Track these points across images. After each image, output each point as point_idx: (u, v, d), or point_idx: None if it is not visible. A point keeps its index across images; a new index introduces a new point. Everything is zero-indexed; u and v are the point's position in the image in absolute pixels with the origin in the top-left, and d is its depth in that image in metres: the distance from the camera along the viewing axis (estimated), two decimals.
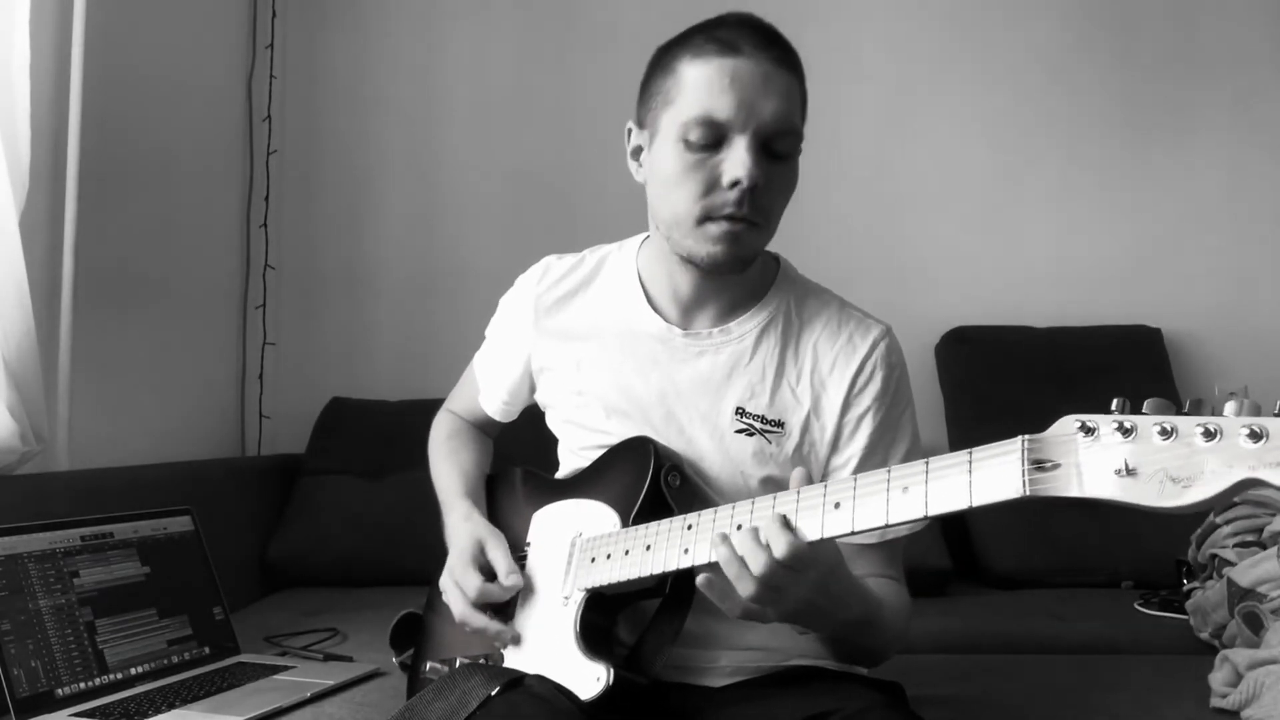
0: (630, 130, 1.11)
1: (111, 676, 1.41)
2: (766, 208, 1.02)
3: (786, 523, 0.86)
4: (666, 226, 1.06)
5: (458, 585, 1.08)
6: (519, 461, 1.26)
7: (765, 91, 0.98)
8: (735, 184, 0.98)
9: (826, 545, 0.89)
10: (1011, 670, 1.49)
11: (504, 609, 1.09)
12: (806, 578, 0.86)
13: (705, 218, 1.02)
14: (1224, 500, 0.64)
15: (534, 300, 1.20)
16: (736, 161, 0.98)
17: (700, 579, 0.90)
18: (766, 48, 1.00)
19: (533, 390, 1.25)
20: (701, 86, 0.99)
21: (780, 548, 0.84)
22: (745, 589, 0.86)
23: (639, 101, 1.09)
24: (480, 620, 1.06)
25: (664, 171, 1.03)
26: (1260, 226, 2.60)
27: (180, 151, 2.44)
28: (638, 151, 1.10)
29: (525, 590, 1.10)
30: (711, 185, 1.00)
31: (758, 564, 0.85)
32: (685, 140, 1.00)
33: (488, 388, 1.29)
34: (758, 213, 1.01)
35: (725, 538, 0.88)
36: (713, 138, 0.99)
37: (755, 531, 0.86)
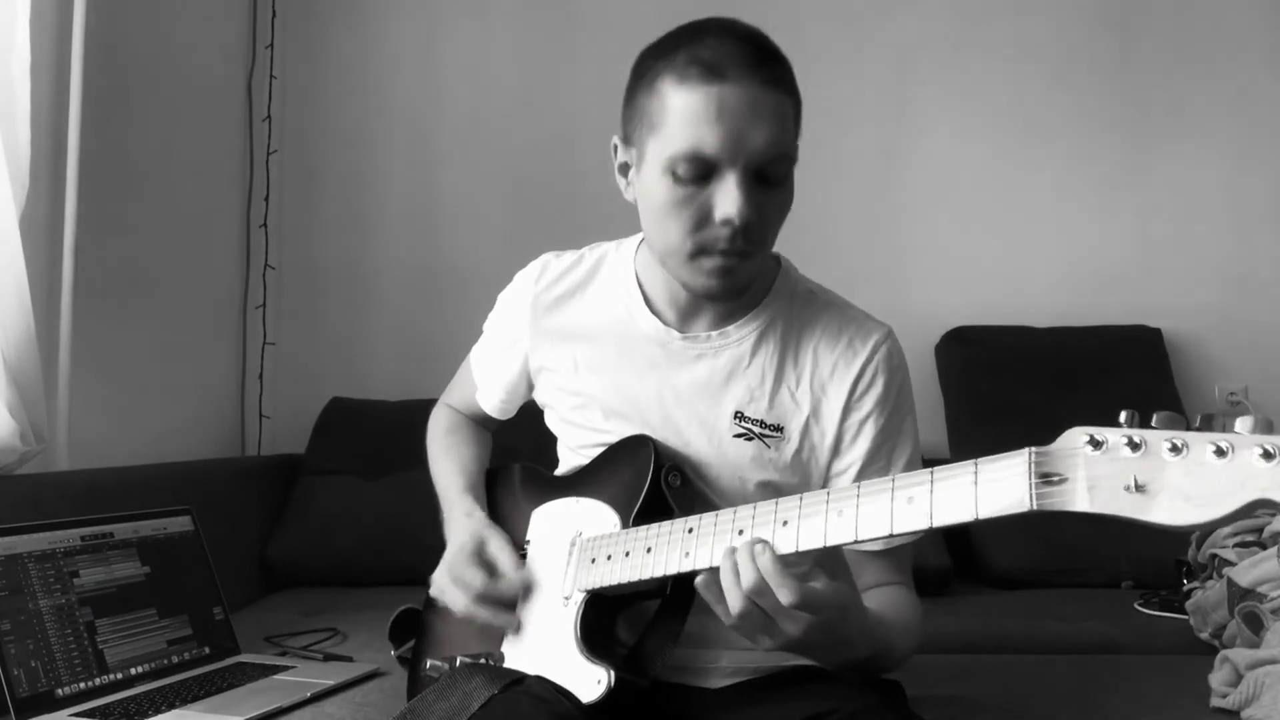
0: (616, 146, 1.06)
1: (111, 676, 1.40)
2: (761, 236, 0.99)
3: (795, 576, 0.84)
4: (660, 254, 1.04)
5: (459, 581, 1.06)
6: (519, 457, 1.26)
7: (754, 120, 0.92)
8: (727, 222, 0.95)
9: (839, 589, 0.87)
10: (1012, 670, 1.49)
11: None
12: (805, 619, 0.85)
13: (699, 251, 0.98)
14: (1235, 519, 0.63)
15: (532, 299, 1.19)
16: (728, 199, 0.94)
17: (699, 580, 0.89)
18: (754, 69, 0.93)
19: (530, 389, 1.24)
20: (688, 118, 0.93)
21: (786, 596, 0.83)
22: (734, 605, 0.85)
23: (624, 114, 1.04)
24: (486, 613, 1.05)
25: (654, 201, 0.99)
26: (1260, 226, 2.60)
27: (180, 151, 2.44)
28: (625, 168, 1.06)
29: (525, 588, 1.10)
30: (703, 220, 0.96)
31: (749, 581, 0.84)
32: (673, 173, 0.95)
33: (485, 385, 1.29)
34: (752, 243, 0.98)
35: (733, 552, 0.87)
36: (702, 172, 0.94)
37: (758, 554, 0.85)
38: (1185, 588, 1.83)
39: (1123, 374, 2.39)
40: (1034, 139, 2.66)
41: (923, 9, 2.70)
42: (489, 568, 1.08)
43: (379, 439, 2.39)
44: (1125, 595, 2.04)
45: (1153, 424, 0.68)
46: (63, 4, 1.92)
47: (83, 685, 1.36)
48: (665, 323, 1.11)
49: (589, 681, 0.95)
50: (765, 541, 0.85)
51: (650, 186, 0.99)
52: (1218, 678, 1.27)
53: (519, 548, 1.14)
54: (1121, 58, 2.65)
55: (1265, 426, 0.63)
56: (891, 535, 0.80)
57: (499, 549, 1.09)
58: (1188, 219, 2.62)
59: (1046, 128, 2.66)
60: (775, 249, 1.15)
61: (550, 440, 1.24)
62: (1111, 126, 2.64)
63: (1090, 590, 2.11)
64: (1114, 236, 2.63)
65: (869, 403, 1.07)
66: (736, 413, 1.07)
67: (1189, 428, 0.66)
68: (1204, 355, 2.57)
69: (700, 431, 1.09)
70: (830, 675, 1.07)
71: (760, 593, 0.84)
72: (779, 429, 1.07)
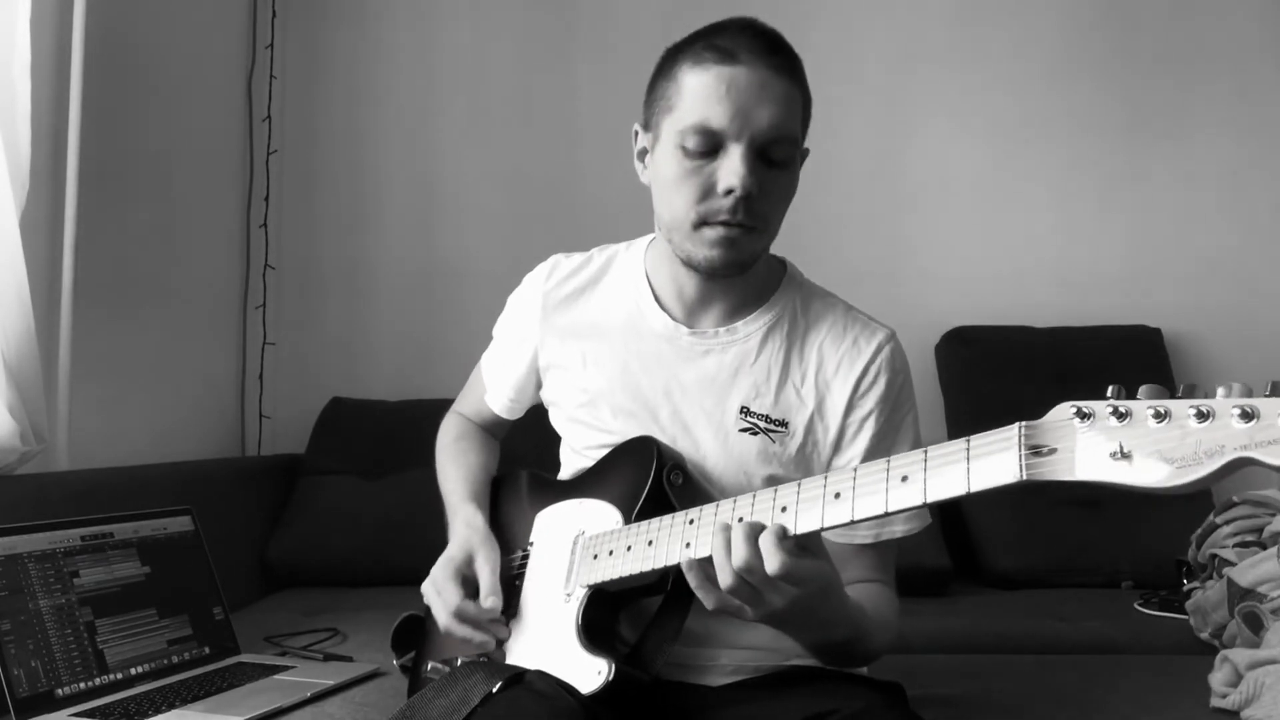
0: (636, 132, 1.12)
1: (111, 676, 1.40)
2: (763, 214, 1.03)
3: (784, 535, 0.85)
4: (667, 229, 1.08)
5: (440, 595, 1.09)
6: (524, 461, 1.26)
7: (761, 99, 0.99)
8: (729, 191, 1.00)
9: (823, 567, 0.90)
10: (1011, 670, 1.49)
11: (505, 606, 1.09)
12: (791, 592, 0.87)
13: (702, 222, 1.03)
14: (1218, 480, 0.64)
15: (542, 297, 1.20)
16: (730, 170, 1.00)
17: (684, 561, 0.90)
18: (765, 55, 1.00)
19: (539, 388, 1.25)
20: (699, 95, 1.00)
21: (773, 565, 0.84)
22: (724, 580, 0.87)
23: (645, 104, 1.10)
24: (464, 631, 1.07)
25: (664, 176, 1.05)
26: (1260, 226, 2.60)
27: (180, 151, 2.44)
28: (643, 154, 1.12)
29: (528, 588, 1.11)
30: (707, 191, 1.02)
31: (740, 559, 0.85)
32: (683, 147, 1.01)
33: (494, 385, 1.30)
34: (754, 218, 1.02)
35: (726, 527, 0.88)
36: (709, 145, 1.01)
37: (754, 531, 0.86)
38: (1185, 588, 1.83)
39: (1123, 374, 2.33)
40: (1034, 139, 2.67)
41: (922, 9, 2.70)
42: (473, 583, 1.09)
43: (379, 439, 2.39)
44: (1125, 595, 2.04)
45: (1138, 395, 0.69)
46: (63, 4, 1.92)
47: (83, 685, 1.36)
48: (674, 319, 1.13)
49: (589, 673, 0.96)
50: (764, 525, 0.87)
51: (662, 162, 1.05)
52: (1218, 678, 1.27)
53: (522, 550, 1.14)
54: (1121, 57, 2.65)
55: (1244, 391, 0.65)
56: (888, 514, 0.81)
57: (483, 564, 1.10)
58: (1187, 219, 2.62)
59: (1046, 127, 2.66)
60: (778, 250, 1.16)
61: (555, 445, 1.25)
62: (1111, 126, 2.64)
63: (1090, 590, 2.12)
64: (1114, 236, 2.63)
65: (871, 401, 1.09)
66: (743, 407, 1.09)
67: (1173, 397, 0.67)
68: (1204, 355, 2.58)
69: (707, 426, 1.10)
70: (831, 675, 1.07)
71: (750, 570, 0.85)
72: (784, 424, 1.09)
